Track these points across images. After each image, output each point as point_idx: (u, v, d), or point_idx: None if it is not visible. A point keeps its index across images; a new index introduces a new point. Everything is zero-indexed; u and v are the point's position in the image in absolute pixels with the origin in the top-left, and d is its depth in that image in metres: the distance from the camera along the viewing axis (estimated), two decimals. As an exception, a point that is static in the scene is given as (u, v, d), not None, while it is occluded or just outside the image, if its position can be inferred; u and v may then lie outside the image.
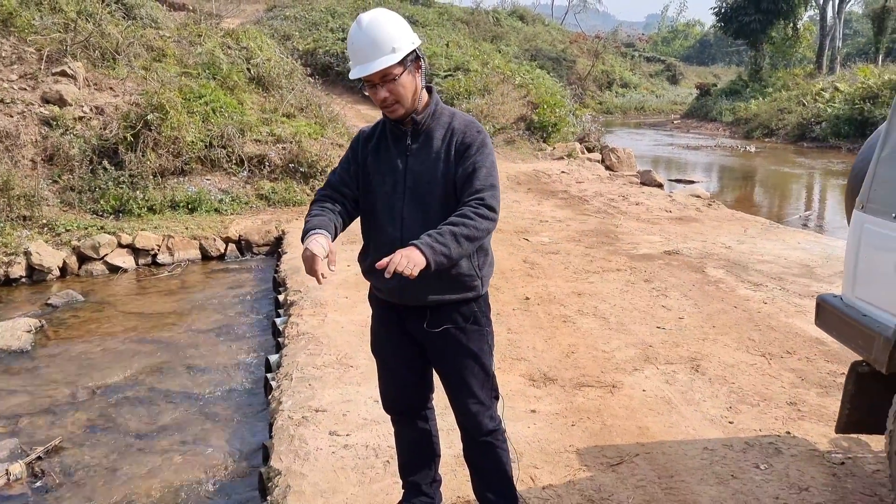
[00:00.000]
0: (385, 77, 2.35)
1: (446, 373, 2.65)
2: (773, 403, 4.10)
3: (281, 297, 6.53)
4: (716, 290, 6.37)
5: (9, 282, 7.49)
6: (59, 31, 10.71)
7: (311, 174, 10.55)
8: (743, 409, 4.03)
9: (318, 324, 5.54)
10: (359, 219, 2.64)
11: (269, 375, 4.85)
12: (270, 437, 3.93)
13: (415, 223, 2.42)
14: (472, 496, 2.89)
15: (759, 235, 8.78)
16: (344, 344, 5.10)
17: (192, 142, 9.79)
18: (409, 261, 2.15)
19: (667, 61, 54.73)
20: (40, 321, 6.30)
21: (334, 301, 6.09)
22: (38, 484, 3.92)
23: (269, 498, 3.36)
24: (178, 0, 23.64)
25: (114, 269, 8.04)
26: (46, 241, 7.96)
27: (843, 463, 3.43)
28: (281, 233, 8.91)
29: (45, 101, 9.63)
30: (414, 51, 2.40)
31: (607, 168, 15.13)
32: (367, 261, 2.58)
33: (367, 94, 2.49)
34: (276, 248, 8.70)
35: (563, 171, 13.88)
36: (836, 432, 3.12)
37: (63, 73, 10.05)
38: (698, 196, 11.85)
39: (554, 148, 16.16)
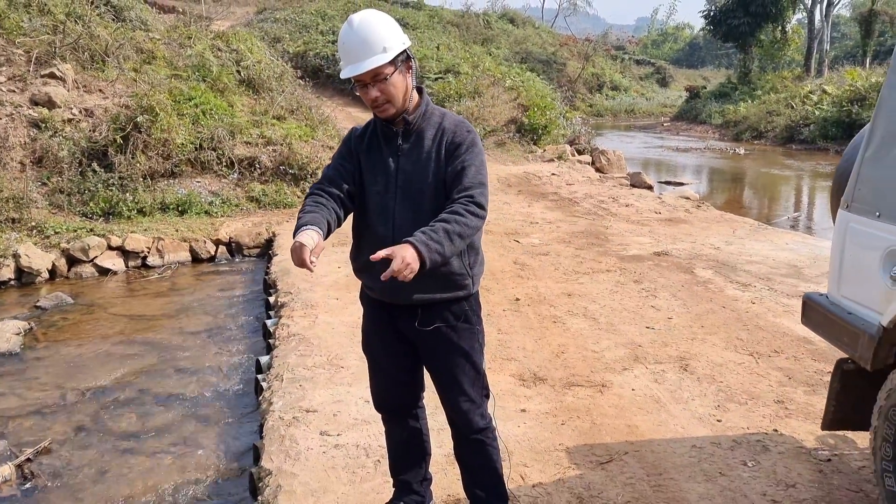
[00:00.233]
0: (376, 76, 2.36)
1: (437, 371, 2.66)
2: (761, 402, 4.13)
3: (271, 299, 6.53)
4: (704, 290, 6.41)
5: (-3, 284, 7.45)
6: (48, 33, 10.67)
7: (302, 176, 10.54)
8: (731, 408, 4.06)
9: (309, 325, 5.54)
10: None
11: (259, 377, 4.85)
12: (261, 437, 3.93)
13: (406, 222, 2.43)
14: (463, 495, 2.91)
15: (748, 236, 8.84)
16: (335, 345, 5.11)
17: (182, 144, 9.77)
18: (406, 266, 2.15)
19: (656, 64, 55.01)
20: (29, 323, 6.27)
21: (325, 302, 6.09)
22: (28, 486, 3.90)
23: (259, 498, 3.36)
24: (168, 2, 23.62)
25: (103, 272, 8.01)
26: (35, 244, 7.93)
27: (829, 460, 3.47)
28: (271, 235, 8.90)
29: (34, 103, 9.59)
30: (404, 51, 2.42)
31: (597, 170, 15.19)
32: (359, 260, 2.59)
33: (357, 94, 2.50)
34: (266, 250, 8.69)
35: (553, 174, 13.93)
36: (822, 429, 3.15)
37: (52, 75, 10.01)
38: (688, 198, 11.93)
39: (544, 150, 16.22)
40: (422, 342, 2.62)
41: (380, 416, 2.90)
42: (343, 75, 2.42)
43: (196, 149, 10.00)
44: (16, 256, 7.60)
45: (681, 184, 15.64)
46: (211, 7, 24.36)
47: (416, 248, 2.20)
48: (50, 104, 9.61)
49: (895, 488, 2.62)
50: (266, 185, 10.33)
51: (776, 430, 3.78)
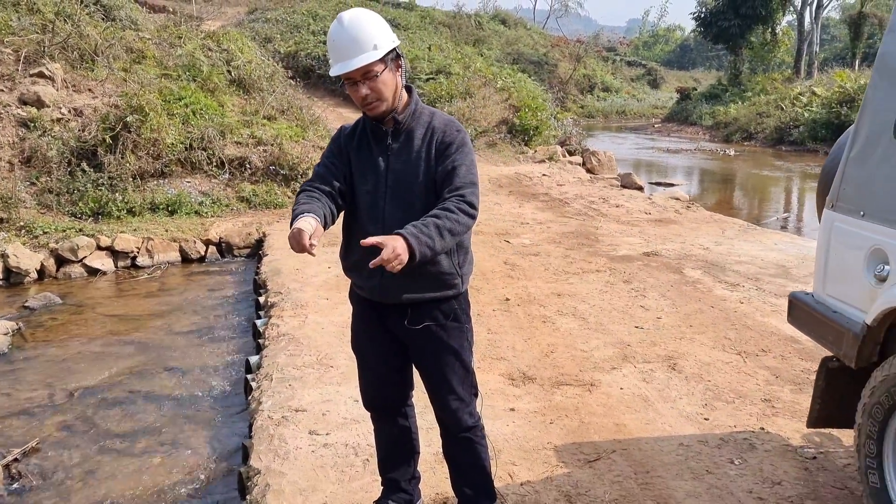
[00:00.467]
0: (366, 74, 2.37)
1: (427, 369, 2.67)
2: (748, 400, 4.16)
3: (261, 299, 6.52)
4: (693, 290, 6.45)
5: (-15, 284, 7.42)
6: (37, 33, 10.62)
7: (292, 176, 10.53)
8: (718, 406, 4.09)
9: (299, 325, 5.54)
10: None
11: (248, 376, 4.84)
12: (250, 437, 3.93)
13: (396, 222, 2.43)
14: (451, 493, 2.92)
15: (737, 237, 8.89)
16: (324, 345, 5.10)
17: (172, 144, 9.74)
18: (396, 256, 2.14)
19: (648, 65, 55.24)
20: (17, 324, 6.23)
21: (315, 302, 6.09)
22: (16, 486, 3.88)
23: (248, 497, 3.36)
24: (158, 2, 23.53)
25: (92, 272, 7.97)
26: (24, 244, 7.88)
27: (815, 458, 3.50)
28: (262, 235, 8.88)
29: (23, 102, 9.54)
30: (394, 49, 2.43)
31: (588, 171, 15.25)
32: (349, 259, 2.59)
33: (347, 92, 2.51)
34: (256, 250, 8.67)
35: (544, 174, 13.96)
36: (808, 427, 3.17)
37: (41, 75, 9.96)
38: (678, 198, 11.99)
39: (535, 151, 16.26)
40: (411, 341, 2.63)
41: (369, 414, 2.90)
42: (333, 73, 2.42)
43: (186, 149, 9.97)
44: (4, 256, 7.55)
45: (671, 185, 15.71)
46: (202, 7, 24.31)
47: (406, 240, 2.20)
48: (39, 104, 9.56)
49: (878, 485, 2.65)
50: (256, 186, 10.32)
51: (763, 429, 3.81)
